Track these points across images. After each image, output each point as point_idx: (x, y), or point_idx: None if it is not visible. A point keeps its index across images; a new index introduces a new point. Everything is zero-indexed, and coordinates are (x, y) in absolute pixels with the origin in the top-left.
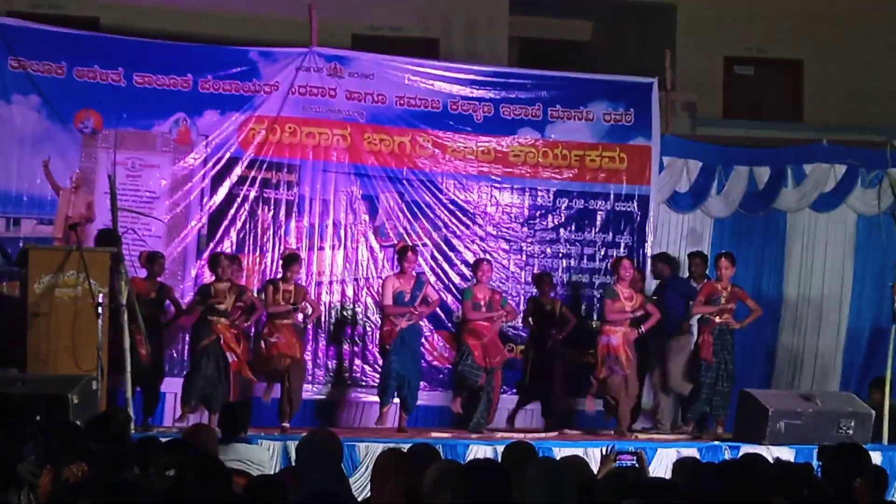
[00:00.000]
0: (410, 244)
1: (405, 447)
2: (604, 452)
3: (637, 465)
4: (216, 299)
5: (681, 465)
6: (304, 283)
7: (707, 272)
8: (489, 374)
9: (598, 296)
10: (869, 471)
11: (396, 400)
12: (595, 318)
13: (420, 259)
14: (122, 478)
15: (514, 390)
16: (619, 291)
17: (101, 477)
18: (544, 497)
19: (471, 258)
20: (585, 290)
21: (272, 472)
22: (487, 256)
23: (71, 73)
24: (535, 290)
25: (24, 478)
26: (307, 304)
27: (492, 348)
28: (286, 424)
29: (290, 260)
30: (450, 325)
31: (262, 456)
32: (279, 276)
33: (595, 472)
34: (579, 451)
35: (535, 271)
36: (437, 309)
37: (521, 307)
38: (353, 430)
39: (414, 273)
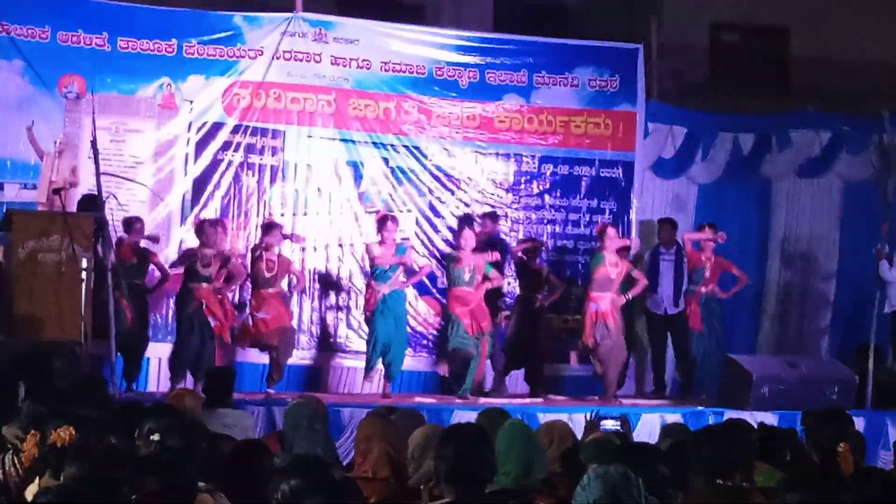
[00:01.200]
0: (389, 212)
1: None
2: (588, 418)
3: (622, 431)
4: (201, 264)
5: (667, 430)
6: (284, 255)
7: (679, 238)
8: (477, 341)
9: (584, 262)
10: (852, 436)
11: (381, 366)
12: (580, 283)
13: (405, 224)
14: (108, 442)
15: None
16: (606, 258)
17: (87, 441)
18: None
19: (455, 224)
20: (570, 256)
21: (256, 437)
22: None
23: (55, 38)
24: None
25: (8, 442)
26: (293, 274)
27: (479, 314)
28: (271, 390)
29: (266, 229)
30: (434, 290)
31: (247, 421)
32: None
33: (579, 438)
34: (564, 416)
35: (520, 238)
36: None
37: (506, 272)
38: (338, 395)
39: (395, 241)
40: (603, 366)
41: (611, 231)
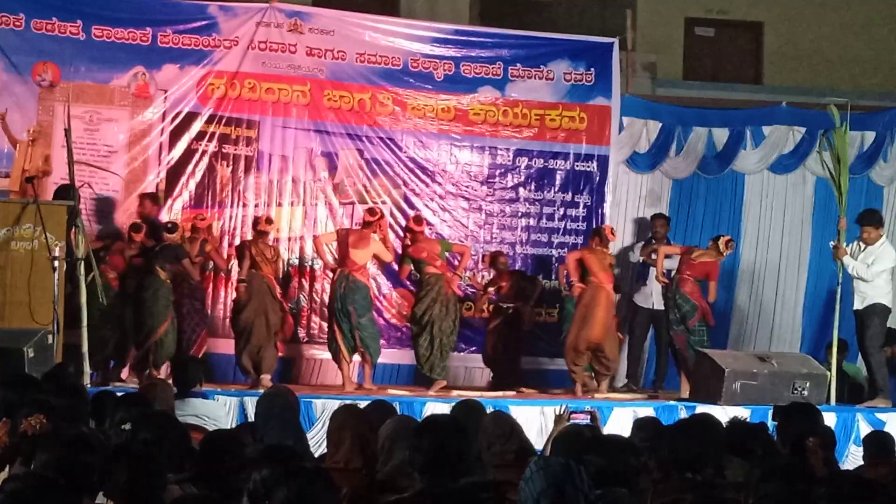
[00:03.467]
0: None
1: (362, 404)
2: (557, 412)
3: (591, 424)
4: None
5: (639, 424)
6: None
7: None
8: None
9: (557, 255)
10: (821, 430)
11: (357, 358)
12: (553, 277)
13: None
14: (79, 431)
15: (473, 348)
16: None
17: (58, 430)
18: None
19: (430, 216)
20: (544, 250)
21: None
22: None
23: (29, 25)
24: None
25: None
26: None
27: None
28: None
29: (254, 223)
30: (408, 282)
31: (219, 411)
32: (248, 238)
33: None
34: (536, 410)
35: (496, 230)
36: (395, 266)
37: (480, 266)
38: (310, 386)
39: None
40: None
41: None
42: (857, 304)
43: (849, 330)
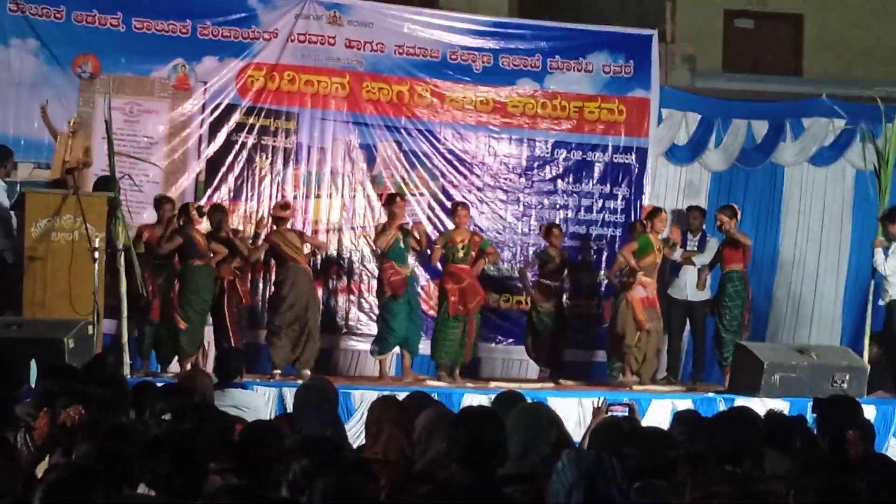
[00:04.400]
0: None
1: (400, 396)
2: (595, 404)
3: (629, 417)
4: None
5: (679, 417)
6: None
7: (705, 226)
8: (464, 324)
9: (595, 248)
10: (861, 423)
11: (396, 350)
12: (594, 269)
13: (417, 208)
14: (119, 422)
15: (511, 340)
16: (654, 243)
17: (98, 420)
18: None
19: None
20: (583, 242)
21: (267, 418)
22: (463, 200)
23: (70, 17)
24: (541, 242)
25: (21, 420)
26: (310, 244)
27: (470, 292)
28: (306, 371)
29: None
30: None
31: (258, 402)
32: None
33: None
34: (574, 402)
35: (533, 223)
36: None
37: (519, 257)
38: (349, 377)
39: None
40: (643, 352)
41: (663, 215)
42: (882, 300)
43: (877, 324)
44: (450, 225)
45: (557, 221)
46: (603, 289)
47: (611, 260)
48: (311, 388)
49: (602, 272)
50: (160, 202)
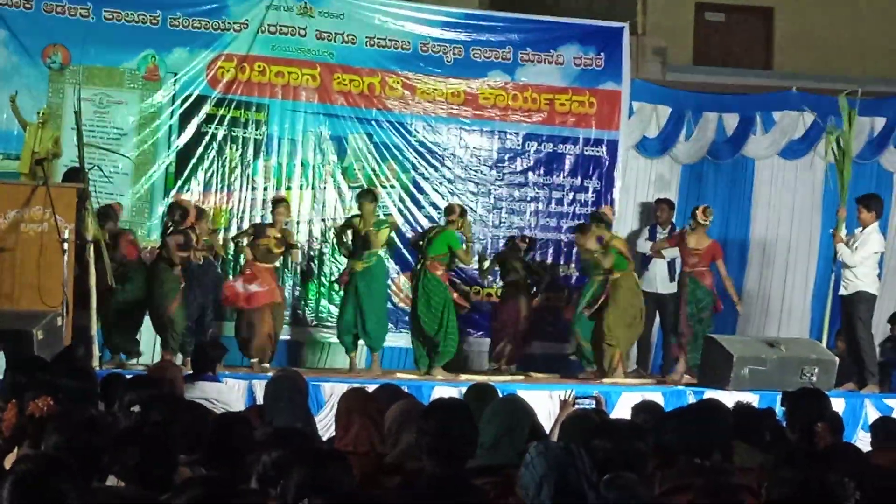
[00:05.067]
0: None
1: (370, 388)
2: (562, 397)
3: (595, 409)
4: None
5: (638, 407)
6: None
7: (674, 220)
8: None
9: (566, 240)
10: (830, 416)
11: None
12: (563, 262)
13: (388, 200)
14: (89, 413)
15: (480, 333)
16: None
17: (68, 412)
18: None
19: (439, 200)
20: (552, 234)
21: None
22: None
23: (39, 8)
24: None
25: None
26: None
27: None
28: (266, 364)
29: (276, 202)
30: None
31: (229, 395)
32: (267, 220)
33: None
34: (544, 394)
35: (504, 214)
36: (404, 251)
37: (488, 250)
38: (319, 370)
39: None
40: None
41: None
42: (843, 290)
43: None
44: (420, 218)
45: (528, 214)
46: (573, 281)
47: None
48: (281, 379)
49: (572, 266)
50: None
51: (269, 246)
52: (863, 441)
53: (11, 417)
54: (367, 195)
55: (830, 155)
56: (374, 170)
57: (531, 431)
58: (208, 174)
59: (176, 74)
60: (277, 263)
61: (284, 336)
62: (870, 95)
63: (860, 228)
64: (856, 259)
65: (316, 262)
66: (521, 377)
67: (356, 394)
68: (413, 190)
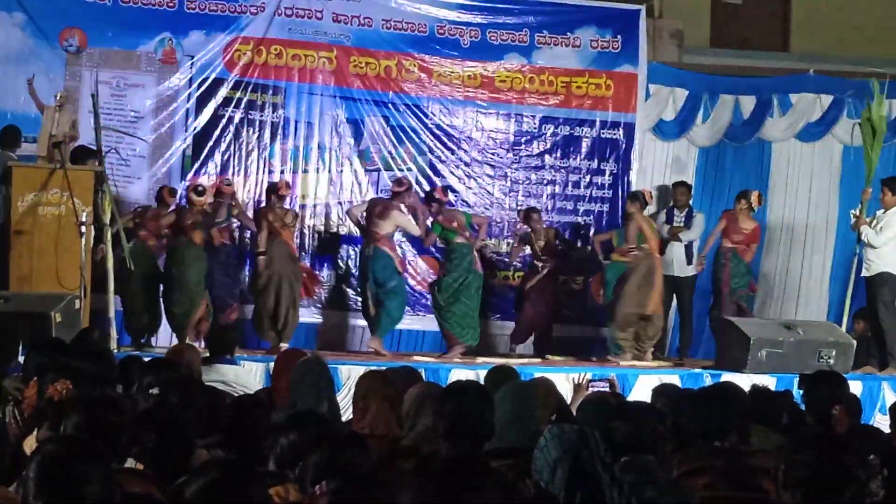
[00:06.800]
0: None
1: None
2: (576, 381)
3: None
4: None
5: (658, 391)
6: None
7: (691, 202)
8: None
9: (583, 222)
10: (847, 398)
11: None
12: (580, 244)
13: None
14: (108, 394)
15: (498, 315)
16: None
17: (86, 394)
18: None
19: (456, 183)
20: (569, 217)
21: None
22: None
23: None
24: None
25: (9, 393)
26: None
27: None
28: (284, 345)
29: (272, 188)
30: (433, 250)
31: (247, 377)
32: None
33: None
34: (561, 377)
35: (521, 197)
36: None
37: (506, 232)
38: (336, 352)
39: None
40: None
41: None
42: (865, 272)
43: (860, 298)
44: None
45: (544, 197)
46: (591, 265)
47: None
48: (309, 363)
49: (588, 247)
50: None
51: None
52: (880, 424)
53: (33, 396)
54: None
55: (847, 137)
56: (390, 153)
57: (558, 413)
58: (225, 157)
59: (193, 57)
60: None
61: (301, 319)
62: (888, 77)
63: (882, 210)
64: (880, 240)
65: (333, 245)
66: (538, 360)
67: (374, 376)
68: (430, 172)
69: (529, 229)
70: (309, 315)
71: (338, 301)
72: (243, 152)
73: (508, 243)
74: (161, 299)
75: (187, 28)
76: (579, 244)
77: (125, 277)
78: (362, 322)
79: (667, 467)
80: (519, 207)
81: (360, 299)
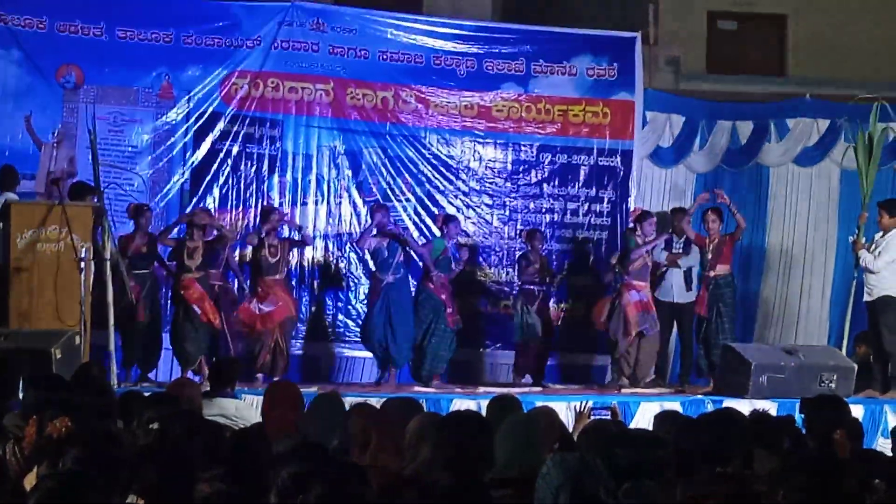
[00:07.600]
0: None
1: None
2: (577, 409)
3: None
4: (186, 255)
5: (660, 418)
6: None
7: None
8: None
9: (582, 251)
10: (849, 422)
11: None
12: (578, 273)
13: (403, 215)
14: (109, 430)
15: (498, 345)
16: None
17: (86, 429)
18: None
19: (454, 213)
20: (568, 245)
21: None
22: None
23: (52, 28)
24: (523, 245)
25: (9, 430)
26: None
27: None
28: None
29: (265, 215)
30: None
31: (247, 411)
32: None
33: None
34: (561, 405)
35: (519, 227)
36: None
37: (505, 262)
38: (335, 384)
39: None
40: (639, 354)
41: (652, 219)
42: (867, 296)
43: (860, 323)
44: (436, 231)
45: (543, 225)
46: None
47: (598, 263)
48: (328, 398)
49: (588, 276)
50: (141, 211)
51: (266, 256)
52: (883, 447)
53: (32, 433)
54: None
55: (846, 161)
56: (388, 184)
57: (560, 441)
58: (223, 191)
59: (190, 92)
60: (280, 276)
61: (300, 351)
62: (884, 101)
63: (880, 234)
64: (879, 264)
65: (333, 276)
66: (538, 388)
67: (372, 408)
68: (428, 203)
69: (529, 248)
70: (300, 346)
71: (339, 333)
72: (241, 185)
73: (507, 272)
74: (166, 334)
75: (184, 63)
76: (577, 272)
77: (128, 313)
78: (353, 353)
79: (670, 494)
80: (518, 235)
81: (359, 331)
